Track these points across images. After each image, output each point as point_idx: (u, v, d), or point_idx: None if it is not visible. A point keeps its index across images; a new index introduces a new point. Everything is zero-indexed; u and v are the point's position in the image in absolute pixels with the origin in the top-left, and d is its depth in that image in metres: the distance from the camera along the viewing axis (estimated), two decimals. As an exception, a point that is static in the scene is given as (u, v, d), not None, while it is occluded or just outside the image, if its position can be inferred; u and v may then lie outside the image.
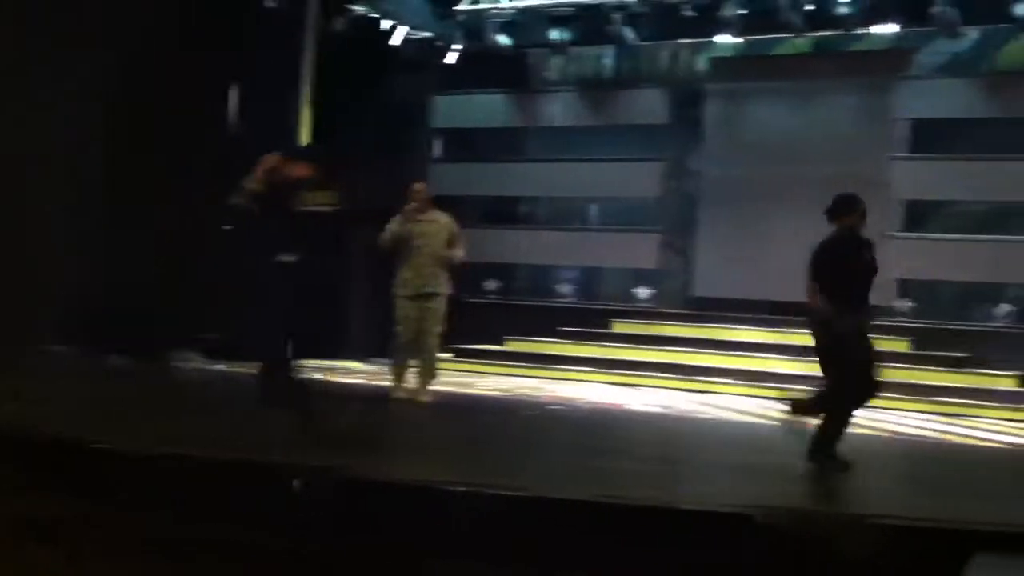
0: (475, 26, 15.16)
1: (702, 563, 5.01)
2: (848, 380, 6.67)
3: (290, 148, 9.60)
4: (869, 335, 6.85)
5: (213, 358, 11.90)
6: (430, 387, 9.16)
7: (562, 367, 13.34)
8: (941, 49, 13.78)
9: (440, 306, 8.99)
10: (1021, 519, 5.40)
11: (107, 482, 5.66)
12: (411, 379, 9.21)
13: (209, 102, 13.23)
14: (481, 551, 5.19)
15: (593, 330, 14.06)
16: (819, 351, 6.84)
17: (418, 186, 9.37)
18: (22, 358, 9.91)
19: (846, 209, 6.80)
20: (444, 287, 9.04)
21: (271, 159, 8.87)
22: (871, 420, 10.60)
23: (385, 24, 14.44)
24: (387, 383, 11.93)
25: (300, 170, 8.43)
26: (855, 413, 6.82)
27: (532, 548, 5.19)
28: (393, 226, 9.11)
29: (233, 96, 13.49)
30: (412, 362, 9.14)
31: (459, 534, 5.27)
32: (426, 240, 8.94)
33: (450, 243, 9.01)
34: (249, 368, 11.50)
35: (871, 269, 6.79)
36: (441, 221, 9.13)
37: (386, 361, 13.66)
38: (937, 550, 4.95)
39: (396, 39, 14.46)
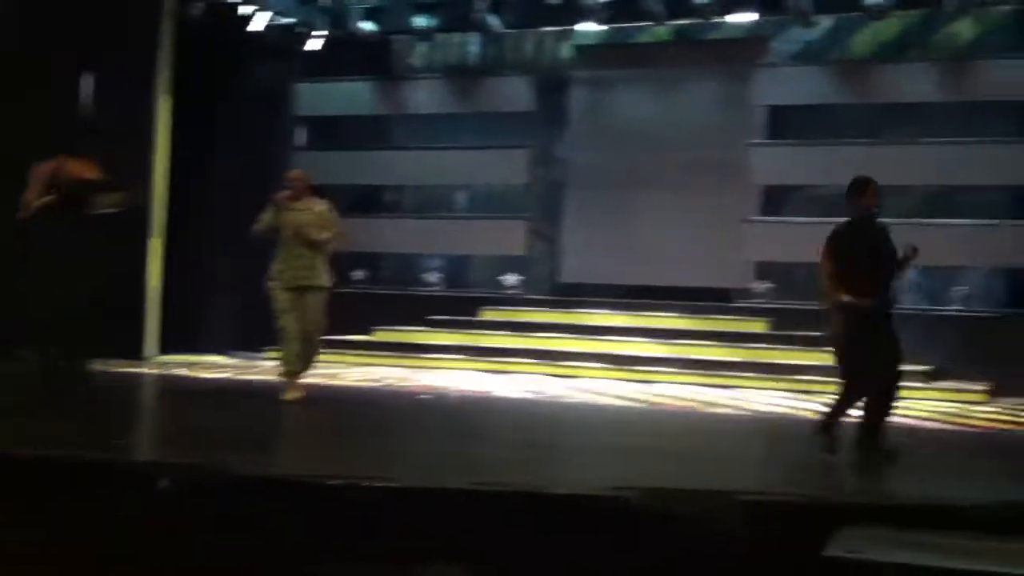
0: (339, 12, 14.94)
1: (579, 545, 5.06)
2: (871, 368, 6.55)
3: (72, 152, 9.14)
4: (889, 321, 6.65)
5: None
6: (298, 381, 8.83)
7: (432, 356, 13.28)
8: (796, 38, 14.16)
9: (317, 300, 8.64)
10: (879, 492, 5.59)
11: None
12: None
13: (59, 92, 12.78)
14: (355, 545, 5.14)
15: (462, 318, 14.03)
16: (835, 339, 6.72)
17: (294, 173, 9.03)
18: None
19: (856, 190, 6.67)
20: (322, 279, 8.68)
21: (43, 168, 8.69)
22: (733, 400, 10.91)
23: (246, 10, 14.06)
24: (251, 377, 11.86)
25: (84, 173, 8.22)
26: (893, 399, 6.70)
27: (409, 539, 5.16)
28: (266, 216, 8.71)
29: (85, 85, 13.04)
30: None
31: (333, 529, 5.20)
32: (300, 230, 8.56)
33: (326, 231, 8.62)
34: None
35: (882, 252, 6.59)
36: (316, 208, 8.73)
37: (247, 354, 13.55)
38: (803, 524, 5.09)
39: (257, 25, 14.12)
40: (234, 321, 14.18)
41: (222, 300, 14.15)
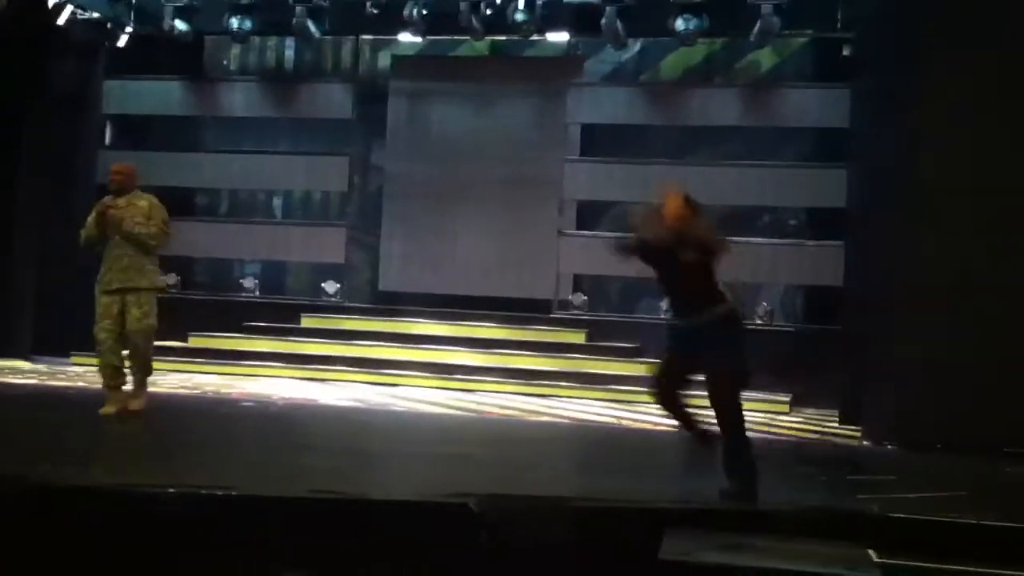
0: (150, 9, 14.51)
1: (414, 551, 5.19)
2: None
3: None
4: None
5: None
6: (138, 393, 8.37)
7: (251, 363, 13.11)
8: (609, 59, 14.69)
9: (141, 303, 8.10)
10: (700, 495, 5.92)
11: None
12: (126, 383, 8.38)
13: None
14: (189, 553, 5.11)
15: (281, 324, 13.90)
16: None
17: (119, 165, 8.36)
18: None
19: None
20: (146, 280, 8.15)
21: None
22: (553, 408, 11.25)
23: (51, 2, 13.50)
24: (61, 383, 11.43)
25: None
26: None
27: (251, 548, 5.17)
28: (89, 220, 8.15)
29: None
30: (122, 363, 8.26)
31: (164, 537, 5.16)
32: (122, 224, 7.99)
33: (152, 224, 8.07)
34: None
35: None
36: (140, 203, 8.14)
37: (52, 359, 13.03)
38: (634, 528, 5.38)
39: (61, 19, 13.58)
40: (37, 324, 13.62)
41: (25, 302, 13.54)
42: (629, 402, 11.42)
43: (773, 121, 14.01)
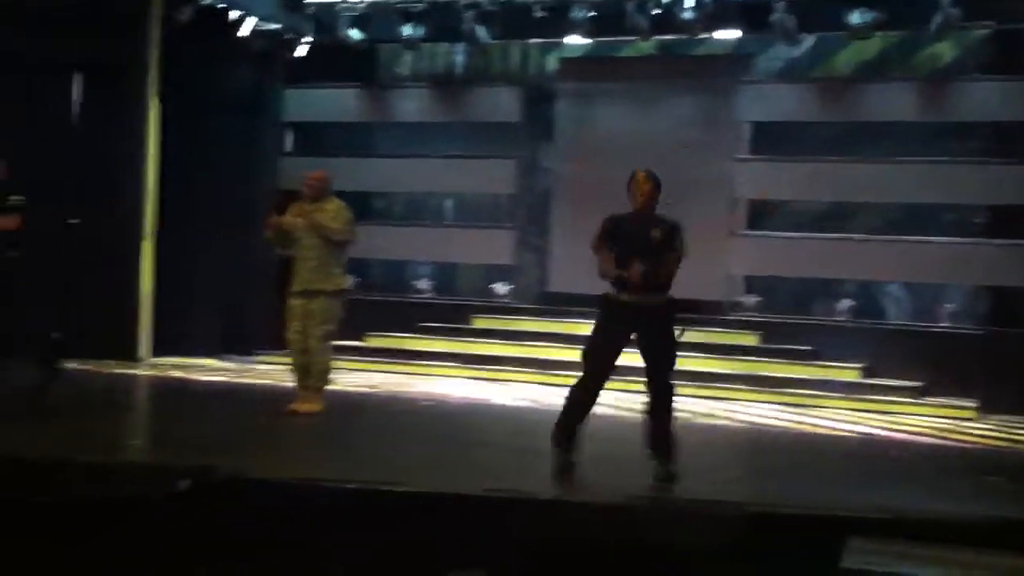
0: (326, 19, 15.01)
1: (582, 551, 5.22)
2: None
3: None
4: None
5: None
6: (318, 392, 8.70)
7: (424, 362, 13.39)
8: (780, 55, 14.43)
9: (323, 305, 8.48)
10: (884, 504, 5.78)
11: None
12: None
13: (49, 94, 12.80)
14: (361, 548, 5.26)
15: (453, 325, 14.14)
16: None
17: (315, 173, 8.74)
18: None
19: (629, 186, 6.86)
20: (330, 282, 8.52)
21: None
22: (726, 411, 11.11)
23: (233, 15, 14.11)
24: (247, 380, 11.96)
25: None
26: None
27: (427, 544, 5.29)
28: (277, 220, 8.59)
29: (76, 88, 13.06)
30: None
31: (337, 531, 5.31)
32: (314, 223, 8.41)
33: (333, 233, 8.44)
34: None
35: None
36: (328, 207, 8.54)
37: (240, 358, 13.62)
38: (813, 536, 5.28)
39: (244, 30, 14.17)
40: (223, 324, 14.24)
41: (212, 302, 14.18)
42: (805, 406, 11.20)
43: (952, 116, 13.51)
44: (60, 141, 12.66)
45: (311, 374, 8.67)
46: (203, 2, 13.58)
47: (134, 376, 11.85)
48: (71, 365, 10.84)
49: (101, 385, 10.91)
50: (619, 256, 6.59)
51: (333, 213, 8.57)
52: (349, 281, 13.42)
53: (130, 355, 12.66)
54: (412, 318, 14.30)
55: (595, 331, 6.75)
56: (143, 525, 5.38)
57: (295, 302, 8.58)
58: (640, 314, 6.56)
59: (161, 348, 13.17)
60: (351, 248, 8.85)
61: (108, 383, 11.08)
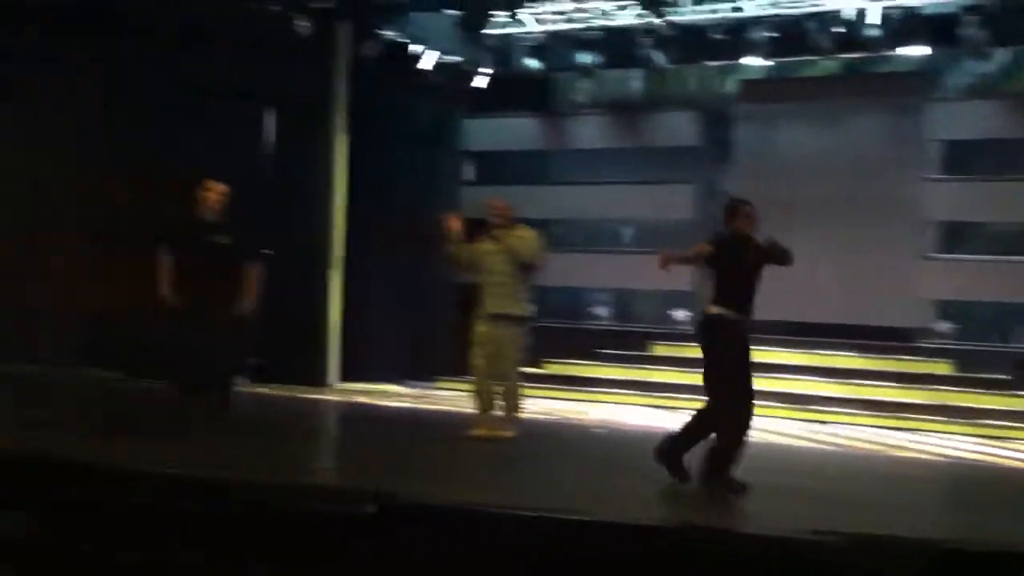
0: (504, 50, 15.26)
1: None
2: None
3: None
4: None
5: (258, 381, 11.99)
6: (509, 419, 8.61)
7: (601, 389, 13.36)
8: (970, 70, 13.86)
9: (510, 331, 8.45)
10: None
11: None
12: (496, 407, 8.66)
13: (241, 128, 13.36)
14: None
15: (631, 352, 14.07)
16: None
17: (499, 203, 8.73)
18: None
19: (728, 214, 6.78)
20: (517, 307, 8.50)
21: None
22: (916, 443, 10.65)
23: (415, 48, 14.49)
24: (428, 406, 12.16)
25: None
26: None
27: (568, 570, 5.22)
28: (473, 245, 8.58)
29: (268, 122, 13.60)
30: (495, 389, 8.57)
31: (500, 558, 5.29)
32: (512, 250, 8.38)
33: (528, 258, 8.42)
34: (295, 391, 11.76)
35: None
36: (517, 233, 8.47)
37: (420, 384, 13.88)
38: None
39: (426, 63, 14.53)
40: (407, 350, 14.56)
41: (395, 330, 14.52)
42: (1002, 438, 10.64)
43: None
44: (253, 172, 13.18)
45: (504, 400, 8.70)
46: (387, 37, 13.98)
47: (323, 401, 12.18)
48: (263, 390, 11.24)
49: (291, 409, 11.26)
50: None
51: (526, 239, 8.64)
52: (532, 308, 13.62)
53: (319, 381, 13.07)
54: (588, 344, 14.28)
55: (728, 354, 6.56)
56: (324, 546, 5.51)
57: (482, 328, 8.59)
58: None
59: (348, 374, 13.52)
60: (536, 275, 8.86)
61: (298, 408, 11.43)
